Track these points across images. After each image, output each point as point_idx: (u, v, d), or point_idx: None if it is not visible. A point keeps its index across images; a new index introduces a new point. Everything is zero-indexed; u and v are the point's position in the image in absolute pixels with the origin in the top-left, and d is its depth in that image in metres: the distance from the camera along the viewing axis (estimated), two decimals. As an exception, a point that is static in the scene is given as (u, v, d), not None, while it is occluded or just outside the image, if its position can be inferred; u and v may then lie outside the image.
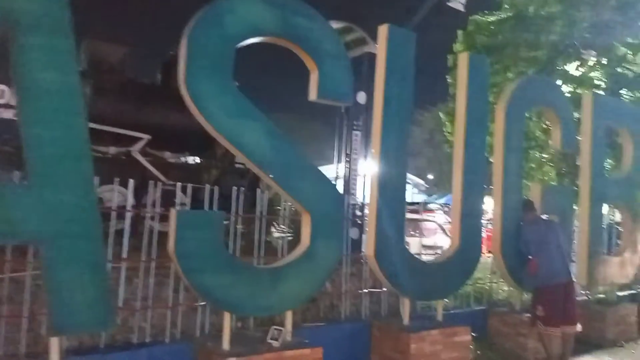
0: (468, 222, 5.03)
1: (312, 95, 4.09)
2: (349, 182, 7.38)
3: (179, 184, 4.62)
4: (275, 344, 3.71)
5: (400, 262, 4.51)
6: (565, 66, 8.79)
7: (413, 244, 12.51)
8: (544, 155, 9.45)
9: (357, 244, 6.79)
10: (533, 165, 9.39)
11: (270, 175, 3.78)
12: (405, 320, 4.66)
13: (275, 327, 3.81)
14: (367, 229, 4.48)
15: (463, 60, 5.12)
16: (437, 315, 4.96)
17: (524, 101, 5.64)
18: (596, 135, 6.34)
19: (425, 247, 12.68)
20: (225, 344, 3.61)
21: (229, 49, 3.62)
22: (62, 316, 2.95)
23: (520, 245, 5.37)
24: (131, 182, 4.00)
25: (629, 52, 8.74)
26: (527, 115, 9.14)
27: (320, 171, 4.11)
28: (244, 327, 4.28)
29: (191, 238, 3.42)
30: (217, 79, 3.55)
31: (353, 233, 6.82)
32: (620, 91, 8.72)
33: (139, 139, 6.97)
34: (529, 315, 5.28)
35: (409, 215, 14.78)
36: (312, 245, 3.97)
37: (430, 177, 39.73)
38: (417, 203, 26.15)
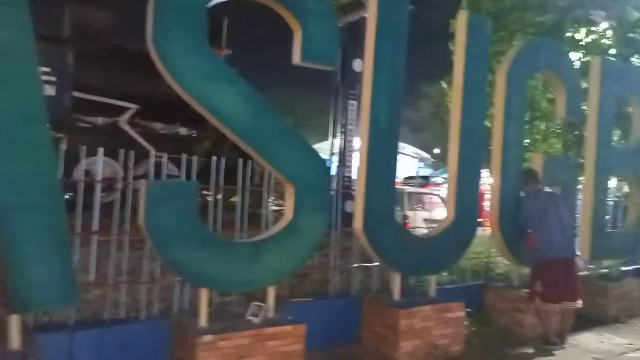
0: (464, 194, 4.78)
1: (296, 57, 3.81)
2: (344, 154, 7.11)
3: (165, 155, 4.40)
4: (255, 320, 3.54)
5: (391, 235, 4.29)
6: (574, 32, 8.34)
7: (415, 217, 12.38)
8: (549, 127, 9.09)
9: (352, 218, 6.59)
10: (538, 137, 9.04)
11: (249, 144, 3.54)
12: (396, 295, 4.47)
13: (255, 303, 3.64)
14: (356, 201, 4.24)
15: (462, 21, 4.77)
16: (430, 291, 4.75)
17: (527, 66, 5.30)
18: (604, 103, 6.01)
19: (427, 220, 12.46)
20: (202, 321, 3.44)
21: (201, 4, 3.33)
22: (21, 292, 2.77)
23: (519, 218, 5.14)
24: (121, 153, 3.83)
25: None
26: (532, 84, 8.83)
27: (305, 140, 3.86)
28: (227, 303, 4.10)
29: (162, 210, 3.21)
30: (189, 36, 3.27)
31: (348, 206, 6.61)
32: (632, 58, 8.30)
33: (127, 109, 6.71)
34: (527, 290, 5.08)
35: (411, 189, 14.61)
36: (296, 219, 3.76)
37: (436, 151, 39.30)
38: (423, 177, 25.99)
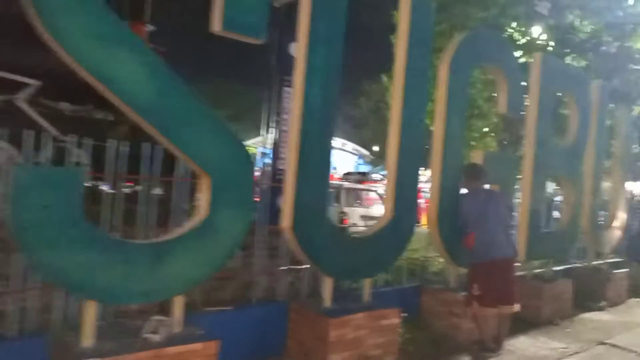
0: (403, 191, 4.40)
1: (216, 25, 3.22)
2: (278, 145, 6.59)
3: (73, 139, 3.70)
4: (154, 338, 2.94)
5: (323, 235, 3.82)
6: (513, 31, 8.28)
7: (353, 214, 12.09)
8: (483, 125, 9.03)
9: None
10: (476, 135, 8.96)
11: (153, 125, 2.93)
12: (327, 302, 4.01)
13: (155, 317, 3.03)
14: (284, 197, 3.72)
15: (404, 3, 4.37)
16: (364, 295, 4.34)
17: (471, 56, 5.01)
18: (544, 100, 5.87)
19: (364, 217, 12.16)
20: (87, 340, 2.80)
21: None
22: None
23: (458, 217, 4.86)
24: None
25: (576, 18, 8.37)
26: (470, 82, 8.71)
27: (225, 125, 3.28)
28: (125, 313, 3.46)
29: (34, 202, 2.54)
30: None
31: (281, 202, 6.10)
32: (566, 58, 8.37)
33: (26, 85, 5.82)
34: (464, 294, 4.80)
35: (349, 185, 14.27)
36: (212, 216, 3.19)
37: (375, 148, 39.60)
38: (362, 173, 25.95)
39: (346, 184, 13.49)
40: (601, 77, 7.81)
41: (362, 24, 4.23)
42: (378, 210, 11.45)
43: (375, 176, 24.43)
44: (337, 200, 12.10)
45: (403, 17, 4.35)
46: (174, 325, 3.13)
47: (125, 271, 2.83)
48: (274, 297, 4.30)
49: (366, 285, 4.34)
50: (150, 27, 7.36)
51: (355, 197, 12.94)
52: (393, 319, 4.22)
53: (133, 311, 3.53)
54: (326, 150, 3.80)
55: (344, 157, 37.17)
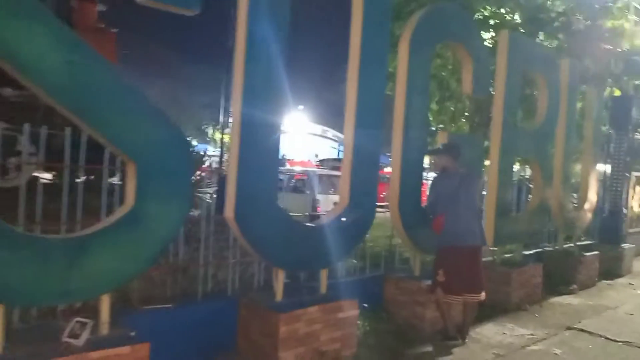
0: (360, 175, 4.15)
1: (139, -4, 2.90)
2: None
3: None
4: (75, 342, 2.65)
5: (270, 225, 3.55)
6: (484, 10, 8.03)
7: (326, 201, 11.84)
8: (458, 108, 8.82)
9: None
10: (445, 118, 8.74)
11: (66, 105, 2.61)
12: (278, 296, 3.76)
13: (78, 319, 2.74)
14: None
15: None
16: (320, 287, 4.10)
17: (432, 33, 4.75)
18: (511, 80, 5.67)
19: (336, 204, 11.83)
20: (-5, 347, 2.50)
21: None
22: None
23: (428, 198, 4.63)
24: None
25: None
26: (441, 63, 8.47)
27: (152, 105, 2.97)
28: (51, 316, 3.16)
29: None
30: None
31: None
32: (537, 38, 8.17)
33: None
34: (429, 282, 4.61)
35: (321, 171, 14.00)
36: (139, 206, 2.89)
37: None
38: (338, 159, 25.65)
39: (318, 171, 13.21)
40: (572, 56, 7.63)
41: (342, 10, 3.99)
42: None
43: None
44: (310, 187, 11.85)
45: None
46: (101, 326, 2.85)
47: (38, 269, 2.52)
48: (225, 292, 4.03)
49: (323, 277, 4.10)
50: (100, 7, 6.94)
51: (330, 184, 12.69)
52: (351, 311, 4.00)
53: (63, 312, 3.23)
54: (271, 135, 3.51)
55: (326, 144, 36.91)
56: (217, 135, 41.36)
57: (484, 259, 6.27)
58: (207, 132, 43.74)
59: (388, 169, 15.01)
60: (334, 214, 4.08)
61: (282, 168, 17.27)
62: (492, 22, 8.29)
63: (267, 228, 3.51)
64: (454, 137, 5.27)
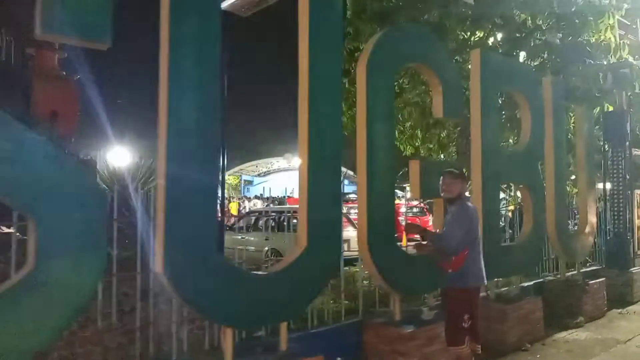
0: (319, 212, 3.73)
1: (38, 29, 2.59)
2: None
3: None
4: None
5: (209, 278, 3.11)
6: (461, 32, 7.79)
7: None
8: (442, 134, 8.45)
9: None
10: (431, 146, 8.36)
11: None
12: (228, 358, 3.28)
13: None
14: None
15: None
16: (280, 343, 3.61)
17: (392, 56, 4.42)
18: (487, 100, 5.31)
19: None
20: None
21: None
22: None
23: (444, 237, 3.90)
24: None
25: (528, 18, 7.91)
26: (424, 89, 8.17)
27: (54, 150, 2.61)
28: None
29: None
30: None
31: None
32: (520, 58, 7.88)
33: None
34: (449, 329, 3.89)
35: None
36: (40, 268, 2.49)
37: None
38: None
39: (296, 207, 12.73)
40: (556, 74, 7.30)
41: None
42: (347, 234, 10.76)
43: (353, 196, 23.73)
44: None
45: (302, 11, 3.74)
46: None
47: None
48: (169, 358, 3.56)
49: (282, 331, 3.62)
50: (60, 54, 6.75)
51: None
52: (315, 369, 3.50)
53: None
54: (207, 175, 3.12)
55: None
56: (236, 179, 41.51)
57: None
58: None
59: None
60: (290, 259, 3.63)
61: (280, 207, 16.90)
62: (472, 41, 8.06)
63: (205, 282, 3.08)
64: (428, 165, 4.86)
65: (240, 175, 41.64)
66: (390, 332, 4.35)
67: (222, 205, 6.72)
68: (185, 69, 3.03)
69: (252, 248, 9.18)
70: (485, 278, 3.98)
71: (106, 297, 3.61)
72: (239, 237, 10.63)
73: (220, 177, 5.94)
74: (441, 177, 3.91)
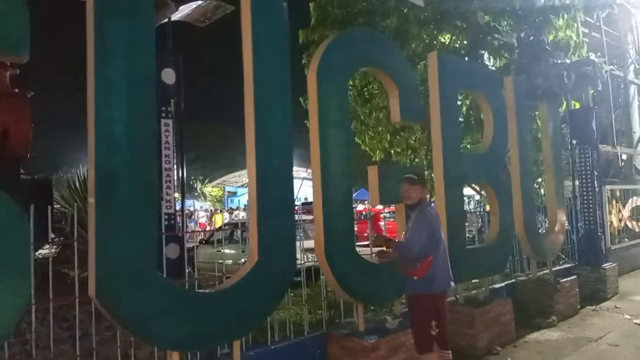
0: (270, 223, 3.60)
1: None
2: (161, 184, 5.74)
3: None
4: None
5: (146, 299, 2.94)
6: (424, 35, 7.77)
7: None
8: (410, 138, 8.40)
9: (176, 266, 5.21)
10: (398, 150, 8.30)
11: None
12: (174, 382, 3.11)
13: None
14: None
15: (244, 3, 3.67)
16: (233, 362, 3.45)
17: (344, 61, 4.32)
18: (446, 102, 5.25)
19: (308, 250, 11.31)
20: None
21: None
22: None
23: (407, 243, 3.77)
24: None
25: (491, 19, 7.94)
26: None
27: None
28: None
29: None
30: None
31: (171, 251, 5.24)
32: (485, 61, 7.90)
33: None
34: (417, 337, 3.79)
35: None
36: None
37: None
38: (310, 203, 25.02)
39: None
40: (520, 74, 7.31)
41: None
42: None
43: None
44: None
45: (244, 16, 3.63)
46: None
47: None
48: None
49: (235, 350, 3.46)
50: (12, 71, 6.53)
51: (306, 229, 12.03)
52: (269, 388, 3.35)
53: None
54: (141, 187, 2.96)
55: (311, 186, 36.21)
56: (206, 190, 41.01)
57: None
58: (195, 187, 43.33)
59: (360, 207, 14.49)
60: (240, 275, 3.48)
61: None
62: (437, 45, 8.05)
63: (143, 305, 2.91)
64: (386, 169, 4.76)
65: (224, 187, 41.25)
66: (353, 343, 4.22)
67: (182, 219, 6.54)
68: (111, 74, 2.88)
69: (230, 261, 9.00)
70: (451, 283, 3.86)
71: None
72: (215, 250, 10.44)
73: (167, 190, 5.78)
74: (400, 184, 3.83)
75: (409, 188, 3.84)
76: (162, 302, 3.01)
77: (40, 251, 4.47)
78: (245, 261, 9.29)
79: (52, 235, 6.40)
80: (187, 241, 8.48)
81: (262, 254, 3.53)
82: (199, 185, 42.28)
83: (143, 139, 2.95)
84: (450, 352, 3.82)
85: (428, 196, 3.99)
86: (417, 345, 3.83)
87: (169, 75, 5.75)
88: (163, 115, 5.85)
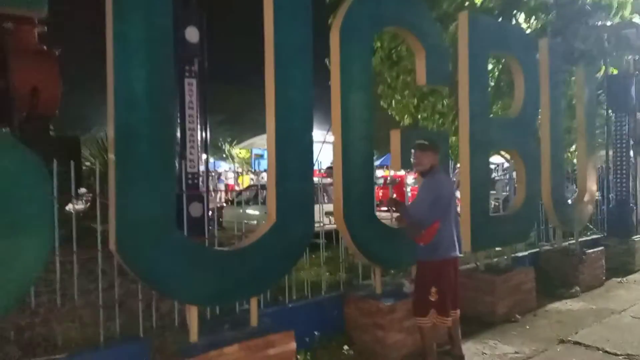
0: (289, 185, 3.60)
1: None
2: (185, 144, 5.80)
3: None
4: None
5: (166, 255, 3.01)
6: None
7: (319, 210, 11.24)
8: (437, 103, 8.17)
9: (199, 224, 5.33)
10: (424, 115, 8.09)
11: None
12: (193, 336, 3.22)
13: None
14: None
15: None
16: (250, 319, 3.54)
17: (368, 19, 4.18)
18: (475, 65, 5.05)
19: (329, 214, 11.39)
20: None
21: None
22: None
23: (420, 204, 3.82)
24: None
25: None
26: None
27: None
28: None
29: None
30: None
31: (193, 210, 5.35)
32: (517, 19, 7.51)
33: None
34: (415, 300, 3.92)
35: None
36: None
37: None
38: (330, 167, 24.97)
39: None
40: (558, 36, 6.95)
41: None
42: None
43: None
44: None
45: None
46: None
47: None
48: (137, 335, 3.50)
49: (252, 307, 3.54)
50: (40, 28, 6.58)
51: (323, 191, 12.08)
52: (285, 345, 3.42)
53: None
54: (158, 147, 2.98)
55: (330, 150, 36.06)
56: (234, 151, 41.40)
57: (466, 267, 5.69)
58: (223, 149, 43.78)
59: (381, 172, 14.34)
60: (257, 235, 3.52)
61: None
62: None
63: (163, 261, 2.98)
64: (409, 133, 4.67)
65: (251, 149, 41.53)
66: (370, 305, 4.26)
67: (207, 178, 6.62)
68: (127, 30, 2.86)
69: (255, 221, 9.15)
70: (458, 250, 3.84)
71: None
72: (240, 210, 10.61)
73: (194, 150, 5.80)
74: (412, 150, 3.79)
75: (420, 155, 3.87)
76: (180, 258, 3.07)
77: (72, 206, 4.60)
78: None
79: (84, 190, 6.61)
80: (213, 201, 8.62)
81: (280, 216, 3.55)
82: (227, 147, 42.69)
83: (161, 96, 2.95)
84: (450, 319, 3.83)
85: (436, 163, 3.90)
86: (413, 307, 3.94)
87: (192, 34, 5.71)
88: (187, 74, 5.86)
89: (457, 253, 3.90)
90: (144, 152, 2.89)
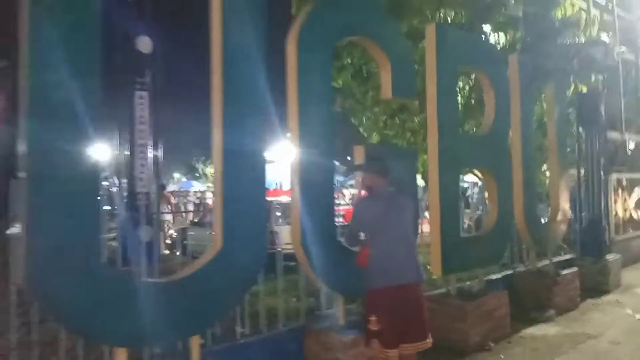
0: (236, 207, 3.23)
1: None
2: (133, 161, 5.37)
3: None
4: None
5: (88, 291, 2.58)
6: (424, 9, 7.25)
7: (286, 233, 10.82)
8: (406, 119, 7.93)
9: (149, 250, 4.87)
10: (391, 133, 7.82)
11: None
12: (122, 382, 2.77)
13: None
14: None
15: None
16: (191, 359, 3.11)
17: (328, 30, 3.89)
18: (444, 78, 4.83)
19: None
20: None
21: None
22: None
23: (349, 227, 3.58)
24: None
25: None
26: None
27: None
28: None
29: None
30: None
31: (143, 233, 4.89)
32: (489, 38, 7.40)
33: None
34: (361, 331, 3.57)
35: (280, 200, 13.06)
36: None
37: (349, 158, 38.36)
38: None
39: (275, 199, 12.24)
40: (527, 52, 6.83)
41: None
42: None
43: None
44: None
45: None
46: None
47: None
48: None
49: (194, 346, 3.12)
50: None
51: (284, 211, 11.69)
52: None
53: None
54: (74, 166, 2.57)
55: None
56: (207, 170, 40.60)
57: (436, 292, 5.37)
58: (196, 168, 42.94)
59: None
60: (200, 263, 3.12)
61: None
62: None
63: (80, 295, 2.55)
64: (376, 149, 4.37)
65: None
66: (331, 339, 3.88)
67: (158, 200, 6.16)
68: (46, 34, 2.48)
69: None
70: (405, 274, 3.39)
71: None
72: (207, 232, 10.13)
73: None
74: None
75: (360, 177, 3.68)
76: (102, 292, 2.63)
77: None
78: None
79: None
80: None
81: (227, 241, 3.17)
82: (201, 166, 41.87)
83: (81, 104, 2.55)
84: (393, 351, 3.41)
85: (382, 183, 3.55)
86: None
87: (144, 44, 5.33)
88: (138, 87, 5.46)
89: (406, 280, 3.41)
90: (61, 168, 2.48)
